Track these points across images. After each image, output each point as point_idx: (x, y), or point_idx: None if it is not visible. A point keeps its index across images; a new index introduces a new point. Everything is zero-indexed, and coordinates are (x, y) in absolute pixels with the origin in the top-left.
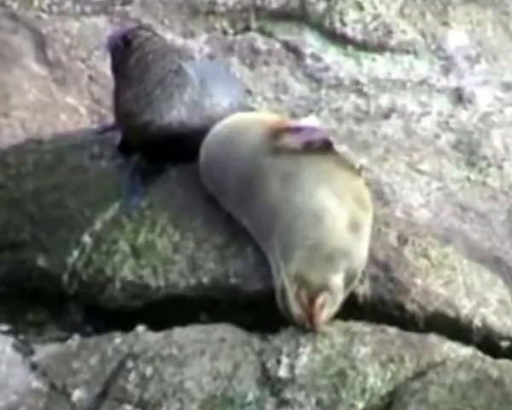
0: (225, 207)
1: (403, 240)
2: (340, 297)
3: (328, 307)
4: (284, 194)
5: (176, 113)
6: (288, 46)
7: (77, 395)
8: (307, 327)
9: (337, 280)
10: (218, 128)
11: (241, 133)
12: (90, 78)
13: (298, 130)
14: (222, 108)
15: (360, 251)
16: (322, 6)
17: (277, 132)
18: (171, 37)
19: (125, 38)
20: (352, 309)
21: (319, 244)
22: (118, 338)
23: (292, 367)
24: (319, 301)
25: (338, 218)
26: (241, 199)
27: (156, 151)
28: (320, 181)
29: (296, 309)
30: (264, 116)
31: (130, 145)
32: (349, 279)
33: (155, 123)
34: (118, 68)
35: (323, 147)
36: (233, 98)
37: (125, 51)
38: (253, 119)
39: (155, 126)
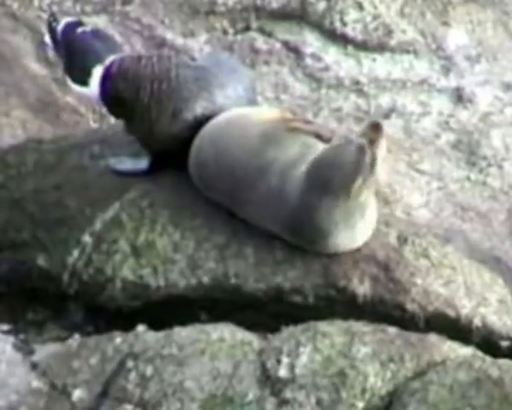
0: (219, 201)
1: (403, 240)
2: None
3: None
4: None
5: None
6: (288, 46)
7: (77, 394)
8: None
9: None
10: (207, 128)
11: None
12: None
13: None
14: (233, 100)
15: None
16: (322, 6)
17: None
18: (171, 36)
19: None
20: (352, 309)
21: None
22: (118, 338)
23: (292, 367)
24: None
25: None
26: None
27: (179, 149)
28: None
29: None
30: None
31: (160, 160)
32: None
33: (182, 114)
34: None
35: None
36: (243, 89)
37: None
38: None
39: (183, 117)
